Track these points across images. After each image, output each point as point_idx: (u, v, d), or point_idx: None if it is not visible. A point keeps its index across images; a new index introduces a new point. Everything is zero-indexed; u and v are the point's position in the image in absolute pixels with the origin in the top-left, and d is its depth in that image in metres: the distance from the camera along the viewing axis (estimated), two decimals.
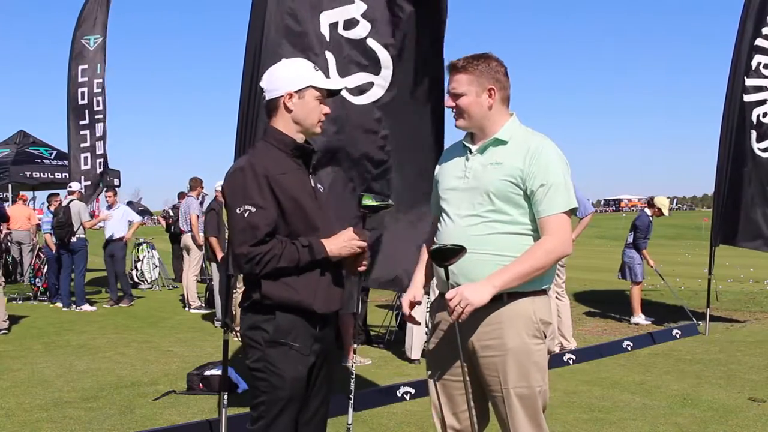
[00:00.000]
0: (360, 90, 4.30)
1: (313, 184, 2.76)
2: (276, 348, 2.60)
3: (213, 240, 9.10)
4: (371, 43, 4.29)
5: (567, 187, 2.62)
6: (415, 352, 6.81)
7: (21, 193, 15.48)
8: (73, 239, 10.70)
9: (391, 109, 4.35)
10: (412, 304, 2.84)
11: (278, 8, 4.15)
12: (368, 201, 2.86)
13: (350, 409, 3.43)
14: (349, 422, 3.41)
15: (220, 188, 8.99)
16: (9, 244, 13.75)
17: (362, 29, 4.27)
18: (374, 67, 4.31)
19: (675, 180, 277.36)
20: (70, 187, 11.25)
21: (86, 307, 10.76)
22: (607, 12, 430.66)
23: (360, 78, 4.29)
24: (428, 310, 4.39)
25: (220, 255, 8.83)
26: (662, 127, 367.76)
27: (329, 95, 2.79)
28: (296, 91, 2.68)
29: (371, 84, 4.31)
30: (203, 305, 10.72)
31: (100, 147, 12.06)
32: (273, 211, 2.58)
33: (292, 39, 4.15)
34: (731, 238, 8.55)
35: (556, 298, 7.21)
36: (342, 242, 2.68)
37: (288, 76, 2.70)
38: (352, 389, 2.87)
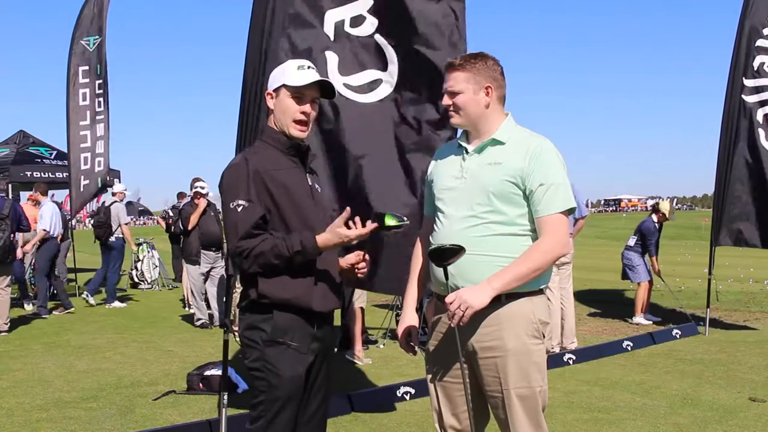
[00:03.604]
0: (368, 87, 4.23)
1: (310, 183, 2.75)
2: (274, 347, 2.59)
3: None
4: (379, 39, 4.22)
5: (566, 187, 2.62)
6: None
7: (38, 192, 15.51)
8: (112, 238, 11.18)
9: (398, 106, 4.25)
10: (407, 333, 2.84)
11: (280, 8, 4.13)
12: (391, 221, 2.70)
13: None
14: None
15: (199, 189, 9.10)
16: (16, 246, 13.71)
17: (369, 26, 4.22)
18: (381, 63, 4.24)
19: (675, 180, 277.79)
20: (111, 188, 11.80)
21: (116, 303, 11.17)
22: (608, 12, 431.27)
23: (368, 75, 4.23)
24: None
25: None
26: (663, 126, 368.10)
27: (323, 95, 2.77)
28: (273, 90, 2.72)
29: (379, 81, 4.24)
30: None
31: (101, 147, 12.08)
32: (263, 206, 2.58)
33: (292, 39, 4.12)
34: (735, 237, 8.49)
35: (561, 299, 7.21)
36: (336, 239, 2.59)
37: (271, 76, 2.77)
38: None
